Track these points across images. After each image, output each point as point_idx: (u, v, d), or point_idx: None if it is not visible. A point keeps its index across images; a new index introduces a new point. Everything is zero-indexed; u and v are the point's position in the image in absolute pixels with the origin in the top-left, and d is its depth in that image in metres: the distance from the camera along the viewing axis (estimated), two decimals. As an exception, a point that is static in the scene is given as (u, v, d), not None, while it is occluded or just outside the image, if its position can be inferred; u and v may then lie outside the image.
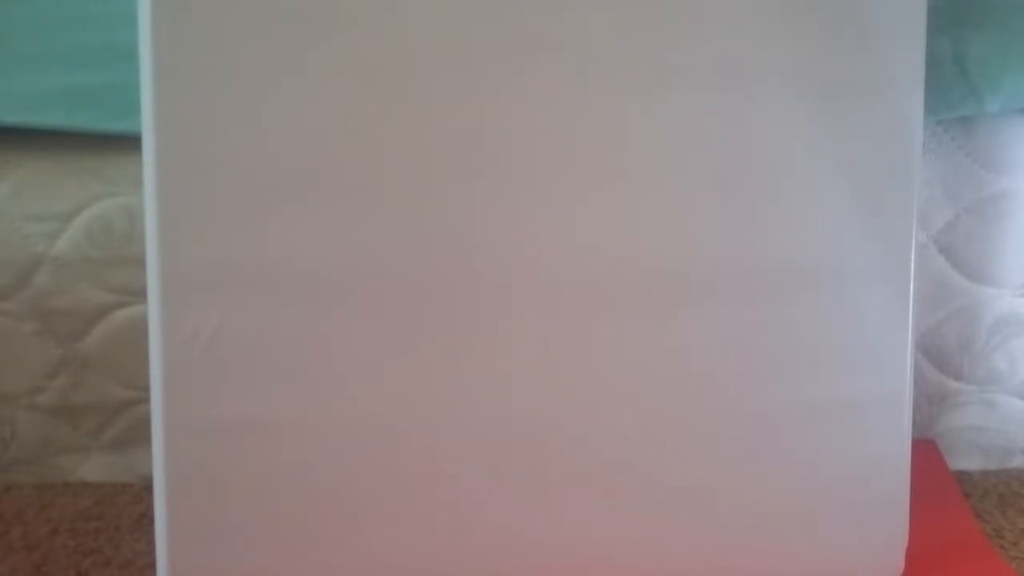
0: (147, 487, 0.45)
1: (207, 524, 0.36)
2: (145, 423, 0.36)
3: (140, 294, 0.47)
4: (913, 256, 0.39)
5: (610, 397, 0.37)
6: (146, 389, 0.35)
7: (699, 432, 0.38)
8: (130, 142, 0.39)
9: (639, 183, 0.36)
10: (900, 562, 0.41)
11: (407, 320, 0.36)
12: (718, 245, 0.37)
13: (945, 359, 0.55)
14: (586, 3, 0.35)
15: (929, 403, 0.56)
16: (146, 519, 0.50)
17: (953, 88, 0.47)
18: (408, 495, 0.37)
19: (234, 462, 0.35)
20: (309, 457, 0.36)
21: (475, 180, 0.36)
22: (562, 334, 0.37)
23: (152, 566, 0.36)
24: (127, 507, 0.52)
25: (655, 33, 0.36)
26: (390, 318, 0.36)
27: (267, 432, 0.36)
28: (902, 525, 0.40)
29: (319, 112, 0.34)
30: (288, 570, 0.37)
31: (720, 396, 0.38)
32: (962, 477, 0.55)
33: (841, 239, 0.38)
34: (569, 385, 0.37)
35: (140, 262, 0.35)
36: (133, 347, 0.51)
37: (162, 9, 0.33)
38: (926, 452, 0.54)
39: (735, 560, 0.39)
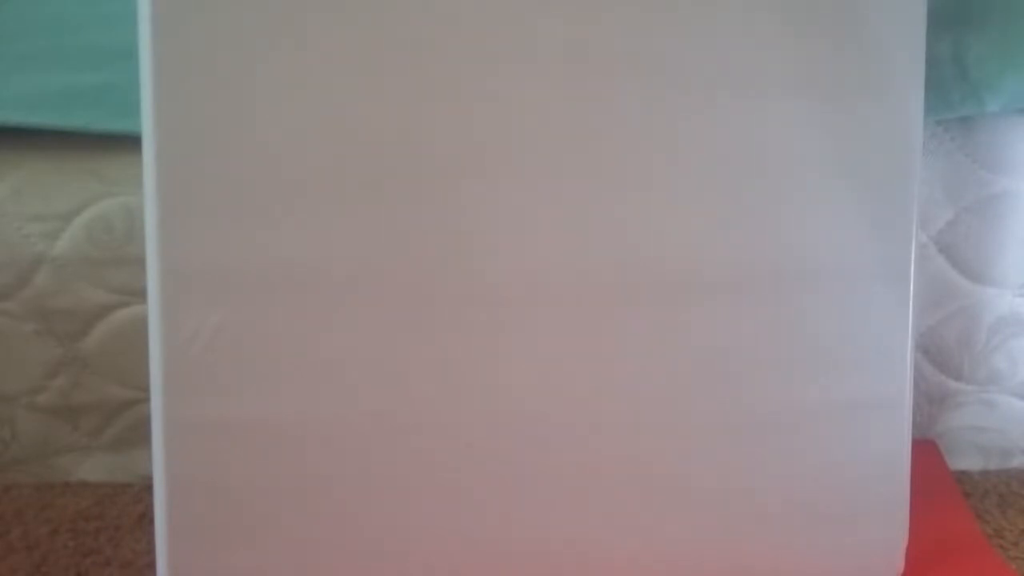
0: (147, 487, 0.45)
1: (207, 524, 0.36)
2: (145, 423, 0.36)
3: (140, 294, 0.47)
4: (913, 256, 0.39)
5: (610, 397, 0.37)
6: (146, 389, 0.35)
7: (699, 432, 0.38)
8: (130, 142, 0.39)
9: (641, 185, 0.37)
10: (900, 562, 0.41)
11: (407, 320, 0.36)
12: (719, 246, 0.37)
13: (945, 359, 0.55)
14: (589, 6, 0.35)
15: (929, 403, 0.56)
16: (146, 519, 0.50)
17: (953, 88, 0.47)
18: (408, 495, 0.37)
19: (234, 462, 0.35)
20: (309, 457, 0.36)
21: (476, 181, 0.36)
22: (562, 335, 0.37)
23: (152, 566, 0.36)
24: (127, 507, 0.52)
25: (657, 36, 0.36)
26: (390, 318, 0.36)
27: (267, 432, 0.36)
28: (902, 525, 0.40)
29: (319, 112, 0.34)
30: (288, 570, 0.37)
31: (720, 396, 0.38)
32: (962, 477, 0.55)
33: (841, 239, 0.38)
34: (569, 385, 0.37)
35: (140, 262, 0.35)
36: (133, 347, 0.51)
37: (162, 9, 0.33)
38: (926, 452, 0.54)
39: (735, 559, 0.39)
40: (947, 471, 0.54)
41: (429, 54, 0.35)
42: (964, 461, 0.57)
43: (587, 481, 0.38)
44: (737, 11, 0.36)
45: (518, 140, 0.36)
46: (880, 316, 0.39)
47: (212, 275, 0.35)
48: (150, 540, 0.36)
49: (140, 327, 0.35)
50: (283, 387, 0.35)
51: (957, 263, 0.53)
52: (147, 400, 0.35)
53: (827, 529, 0.40)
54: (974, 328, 0.54)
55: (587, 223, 0.36)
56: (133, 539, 0.48)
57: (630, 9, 0.35)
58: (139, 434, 0.54)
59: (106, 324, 0.52)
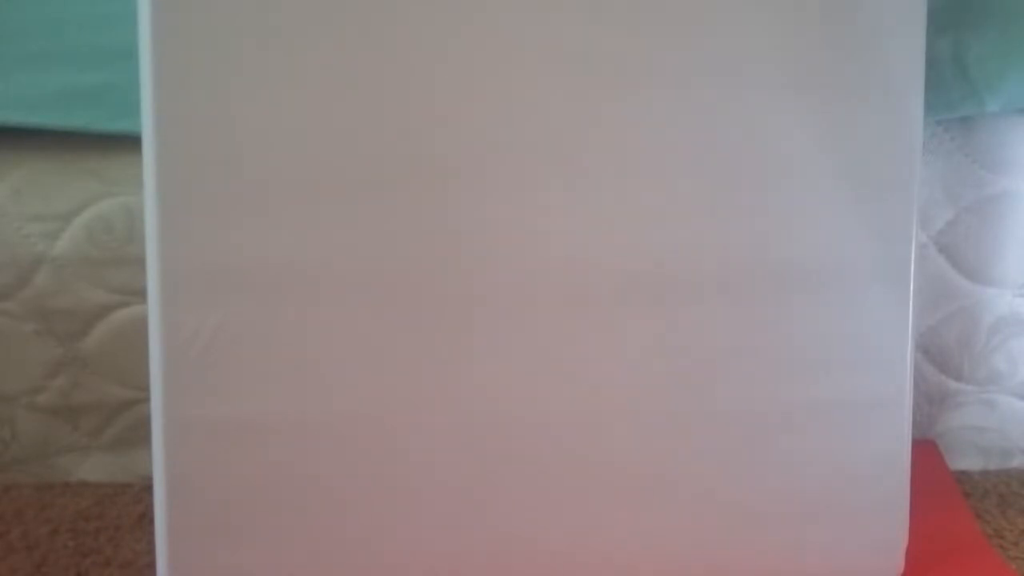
0: (147, 487, 0.45)
1: (207, 524, 0.36)
2: (145, 423, 0.36)
3: (140, 294, 0.47)
4: (913, 256, 0.39)
5: (610, 397, 0.37)
6: (146, 389, 0.35)
7: (699, 432, 0.38)
8: (130, 142, 0.39)
9: (640, 184, 0.36)
10: (900, 562, 0.41)
11: (407, 320, 0.36)
12: (719, 246, 0.37)
13: (945, 359, 0.55)
14: (588, 7, 0.35)
15: (929, 403, 0.56)
16: (146, 519, 0.50)
17: (953, 88, 0.47)
18: (408, 495, 0.37)
19: (234, 462, 0.35)
20: (309, 457, 0.36)
21: (474, 182, 0.36)
22: (562, 334, 0.37)
23: (152, 566, 0.36)
24: (127, 507, 0.52)
25: (656, 35, 0.36)
26: (389, 318, 0.36)
27: (267, 432, 0.36)
28: (902, 525, 0.40)
29: (319, 112, 0.34)
30: (288, 570, 0.37)
31: (720, 396, 0.38)
32: (962, 477, 0.55)
33: (841, 239, 0.38)
34: (570, 385, 0.37)
35: (140, 262, 0.35)
36: (133, 347, 0.51)
37: (162, 9, 0.33)
38: (926, 452, 0.54)
39: (735, 559, 0.39)
40: (947, 471, 0.54)
41: (428, 55, 0.35)
42: (964, 461, 0.57)
43: (586, 480, 0.38)
44: (737, 11, 0.36)
45: (516, 140, 0.36)
46: (880, 316, 0.39)
47: (212, 275, 0.35)
48: (150, 540, 0.36)
49: (140, 327, 0.35)
50: (283, 387, 0.35)
51: (957, 263, 0.53)
52: (147, 400, 0.35)
53: (827, 529, 0.40)
54: (974, 328, 0.54)
55: (586, 223, 0.36)
56: (133, 539, 0.48)
57: (629, 9, 0.35)
58: (139, 434, 0.54)
59: (106, 324, 0.52)
